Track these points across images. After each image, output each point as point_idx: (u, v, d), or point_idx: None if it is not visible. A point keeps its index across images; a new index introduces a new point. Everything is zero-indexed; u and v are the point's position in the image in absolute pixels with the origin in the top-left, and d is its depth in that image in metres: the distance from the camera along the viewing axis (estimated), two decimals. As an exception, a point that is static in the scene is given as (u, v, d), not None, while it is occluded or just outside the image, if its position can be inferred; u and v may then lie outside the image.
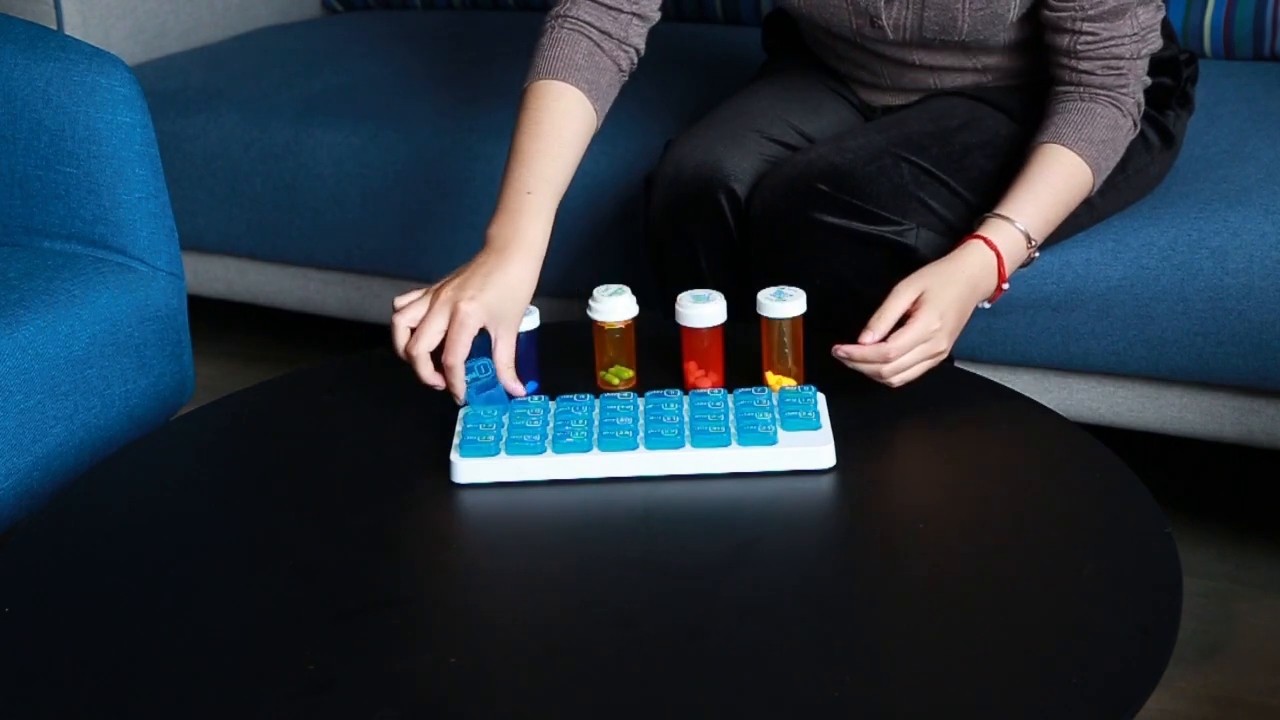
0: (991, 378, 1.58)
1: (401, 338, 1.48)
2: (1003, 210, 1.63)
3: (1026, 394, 1.54)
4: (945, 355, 1.54)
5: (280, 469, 1.45)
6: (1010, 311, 1.91)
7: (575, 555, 1.29)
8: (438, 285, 1.51)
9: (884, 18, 1.76)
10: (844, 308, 1.71)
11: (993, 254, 1.60)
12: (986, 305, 1.63)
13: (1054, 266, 1.88)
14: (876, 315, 1.49)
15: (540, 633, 1.18)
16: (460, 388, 1.47)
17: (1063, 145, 1.68)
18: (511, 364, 1.50)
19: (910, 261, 1.71)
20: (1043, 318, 1.91)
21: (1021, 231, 1.63)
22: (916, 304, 1.51)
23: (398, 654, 1.16)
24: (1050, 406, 1.65)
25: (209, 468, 1.49)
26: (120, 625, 1.22)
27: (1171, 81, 1.88)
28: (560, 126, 1.63)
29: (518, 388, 1.49)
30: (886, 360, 1.48)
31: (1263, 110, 2.11)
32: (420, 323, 1.48)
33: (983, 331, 1.93)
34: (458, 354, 1.46)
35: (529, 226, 1.56)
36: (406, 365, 1.48)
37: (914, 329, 1.49)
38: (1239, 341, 1.84)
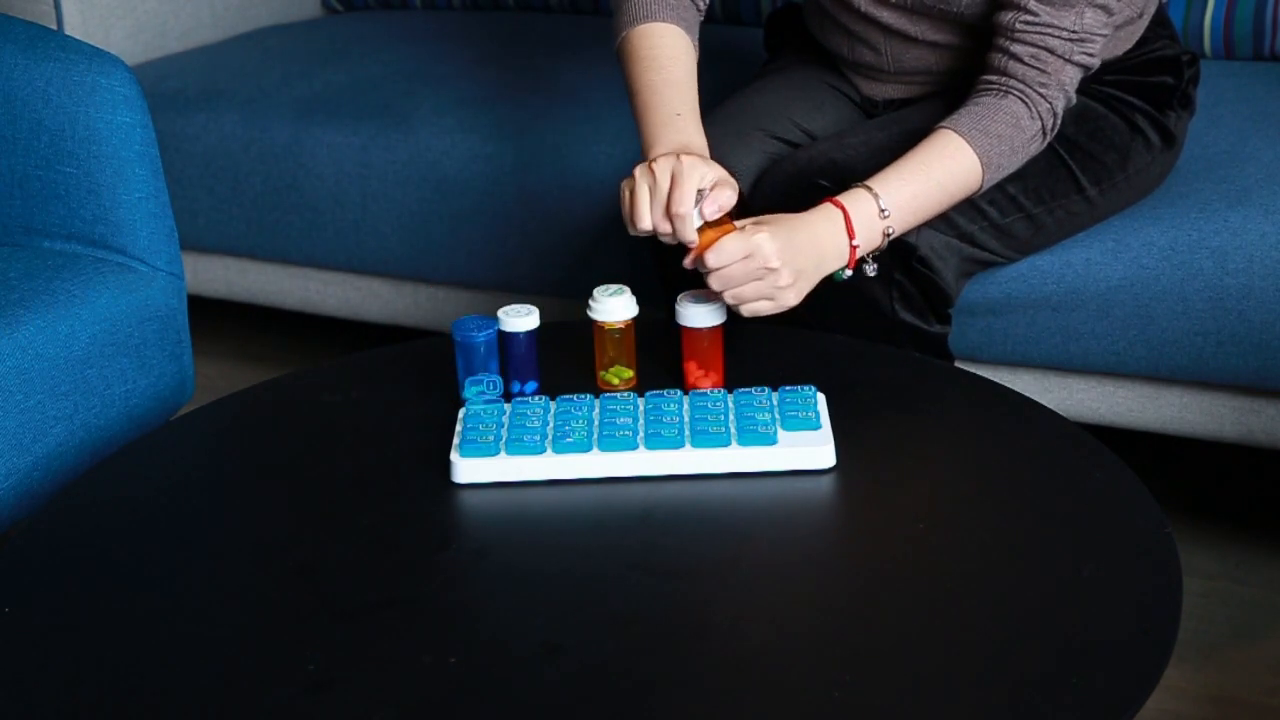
0: (991, 378, 1.58)
1: (643, 209, 1.54)
2: (870, 182, 1.63)
3: (1026, 394, 1.54)
4: (786, 298, 1.54)
5: (280, 469, 1.45)
6: (1010, 311, 1.91)
7: (575, 555, 1.29)
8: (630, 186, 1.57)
9: None
10: (845, 305, 1.71)
11: (839, 214, 1.60)
12: (847, 274, 1.62)
13: (1054, 266, 1.88)
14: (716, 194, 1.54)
15: (540, 633, 1.18)
16: (690, 233, 1.53)
17: (955, 131, 1.67)
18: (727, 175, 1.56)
19: (912, 260, 1.71)
20: (1043, 318, 1.91)
21: (880, 205, 1.62)
22: (748, 230, 1.54)
23: (398, 654, 1.16)
24: (1050, 406, 1.65)
25: (209, 468, 1.49)
26: (120, 625, 1.22)
27: (1173, 81, 1.88)
28: (675, 59, 1.72)
29: (692, 238, 1.53)
30: (710, 270, 1.50)
31: (1263, 110, 2.11)
32: (652, 190, 1.54)
33: (983, 331, 1.93)
34: (687, 202, 1.52)
35: (690, 136, 1.63)
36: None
37: (742, 240, 1.51)
38: (1239, 341, 1.84)
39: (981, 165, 1.67)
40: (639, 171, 1.57)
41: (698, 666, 1.13)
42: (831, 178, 1.72)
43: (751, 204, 1.79)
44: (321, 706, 1.11)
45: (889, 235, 1.63)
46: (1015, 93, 1.69)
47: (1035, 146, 1.72)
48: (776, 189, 1.76)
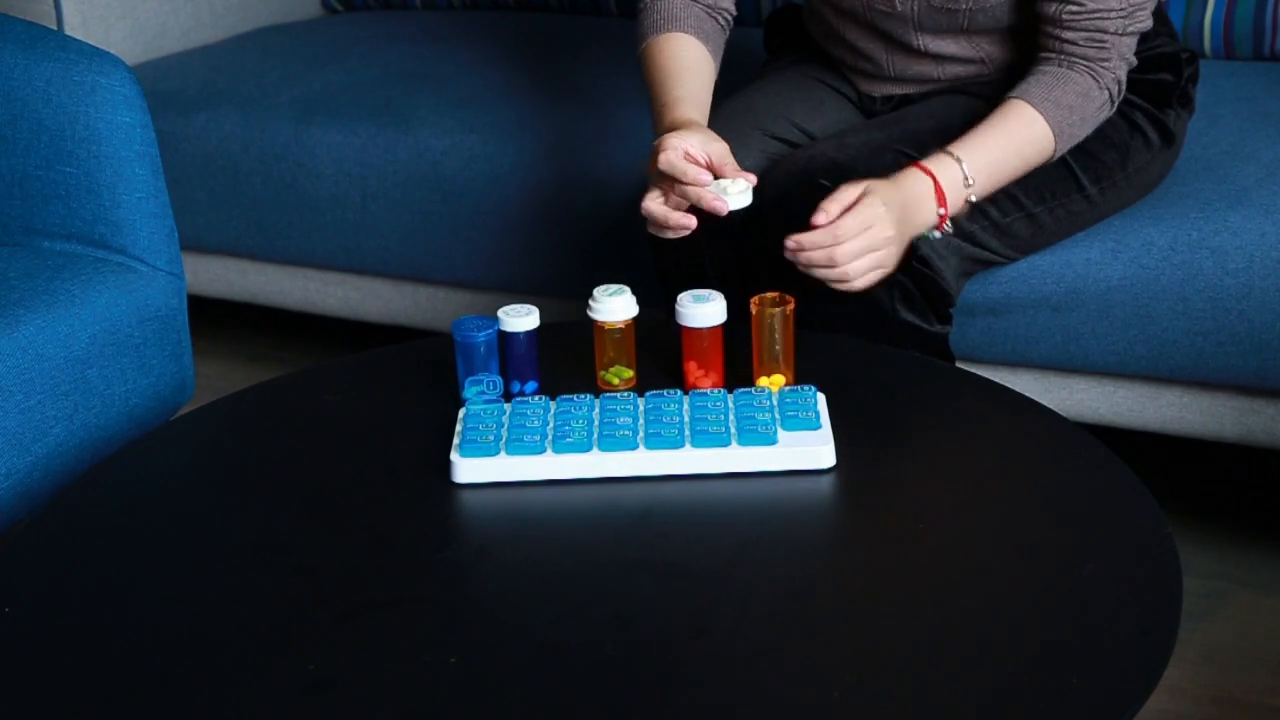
0: (991, 378, 1.58)
1: (659, 211, 1.62)
2: (952, 149, 1.68)
3: (1026, 394, 1.54)
4: (891, 268, 1.63)
5: (280, 469, 1.45)
6: (1010, 311, 1.91)
7: (575, 555, 1.29)
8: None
9: None
10: (845, 304, 1.71)
11: (930, 182, 1.65)
12: (936, 235, 1.69)
13: (1054, 266, 1.88)
14: (827, 200, 1.59)
15: (540, 633, 1.18)
16: (709, 199, 1.58)
17: (1027, 102, 1.71)
18: (728, 155, 1.63)
19: (912, 259, 1.71)
20: (1043, 318, 1.91)
21: (965, 172, 1.67)
22: (859, 199, 1.59)
23: (398, 654, 1.16)
24: (1050, 406, 1.65)
25: (209, 468, 1.49)
26: (120, 625, 1.22)
27: (1172, 78, 1.88)
28: (677, 58, 1.78)
29: (711, 202, 1.59)
30: (838, 242, 1.57)
31: (1263, 110, 2.11)
32: (660, 185, 1.62)
33: (983, 331, 1.93)
34: (690, 175, 1.59)
35: (678, 115, 1.70)
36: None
37: (860, 213, 1.58)
38: (1239, 341, 1.84)
39: (1054, 135, 1.72)
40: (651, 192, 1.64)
41: (698, 666, 1.13)
42: (832, 178, 1.72)
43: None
44: (321, 706, 1.11)
45: (970, 202, 1.70)
46: (1080, 67, 1.73)
47: (1104, 114, 1.77)
48: (777, 189, 1.76)
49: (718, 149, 1.64)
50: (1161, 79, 1.87)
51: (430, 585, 1.26)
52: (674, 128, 1.67)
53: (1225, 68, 2.28)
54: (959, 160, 1.67)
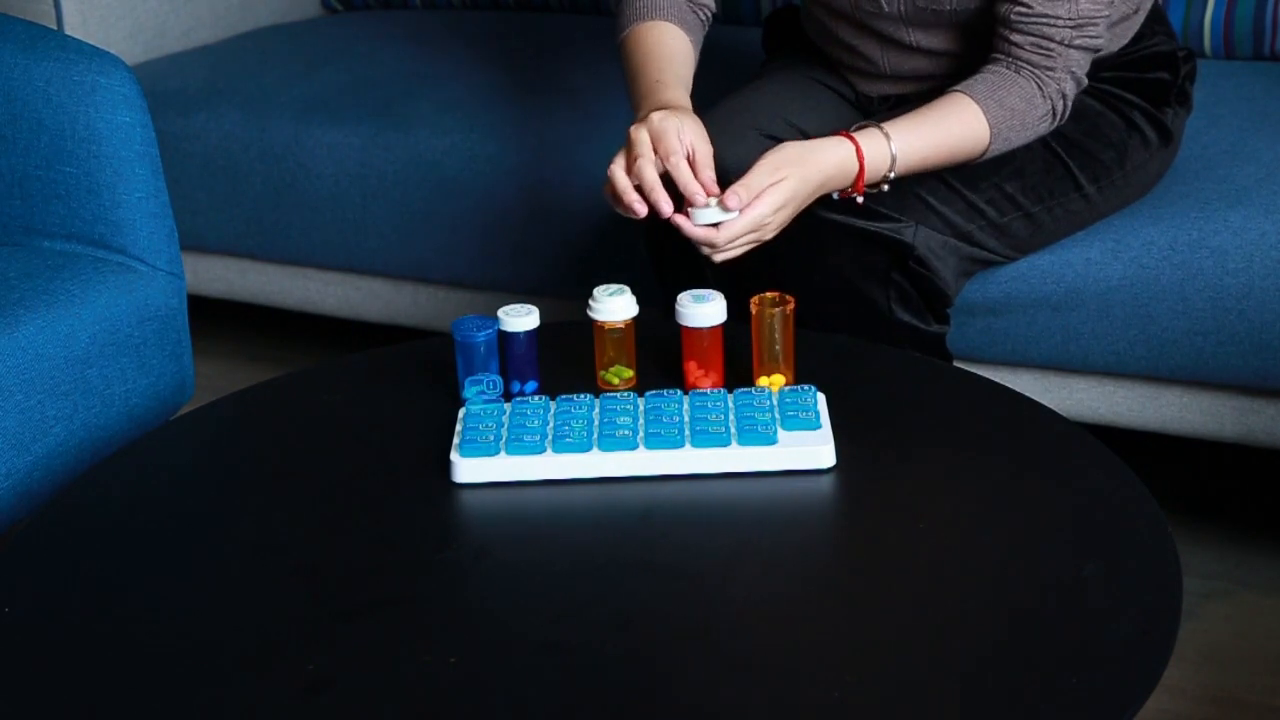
0: (991, 378, 1.58)
1: (623, 182, 1.60)
2: (886, 127, 1.67)
3: (1026, 394, 1.54)
4: (768, 236, 1.63)
5: (280, 469, 1.45)
6: (1010, 311, 1.91)
7: (575, 555, 1.29)
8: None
9: None
10: (842, 304, 1.71)
11: (857, 162, 1.65)
12: (834, 197, 1.69)
13: (1054, 266, 1.88)
14: (740, 185, 1.58)
15: (540, 633, 1.18)
16: (693, 185, 1.58)
17: (970, 97, 1.70)
18: (709, 161, 1.62)
19: (909, 260, 1.71)
20: (1043, 318, 1.91)
21: (891, 151, 1.66)
22: (766, 189, 1.59)
23: (398, 654, 1.16)
24: (1050, 406, 1.65)
25: (209, 468, 1.49)
26: (120, 625, 1.22)
27: (1169, 77, 1.88)
28: (663, 44, 1.77)
29: (698, 192, 1.58)
30: (714, 246, 1.59)
31: (1263, 110, 2.11)
32: (630, 160, 1.61)
33: (982, 331, 1.93)
34: (674, 159, 1.58)
35: (669, 96, 1.69)
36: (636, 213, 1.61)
37: (749, 218, 1.59)
38: (1239, 341, 1.84)
39: (990, 134, 1.70)
40: (615, 160, 1.64)
41: (698, 666, 1.13)
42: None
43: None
44: (321, 706, 1.11)
45: (888, 180, 1.69)
46: (1025, 71, 1.72)
47: (1044, 127, 1.75)
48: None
49: (703, 150, 1.63)
50: (1159, 77, 1.87)
51: (430, 585, 1.26)
52: (664, 108, 1.67)
53: (1225, 67, 2.28)
54: (888, 137, 1.66)
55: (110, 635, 1.20)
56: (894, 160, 1.66)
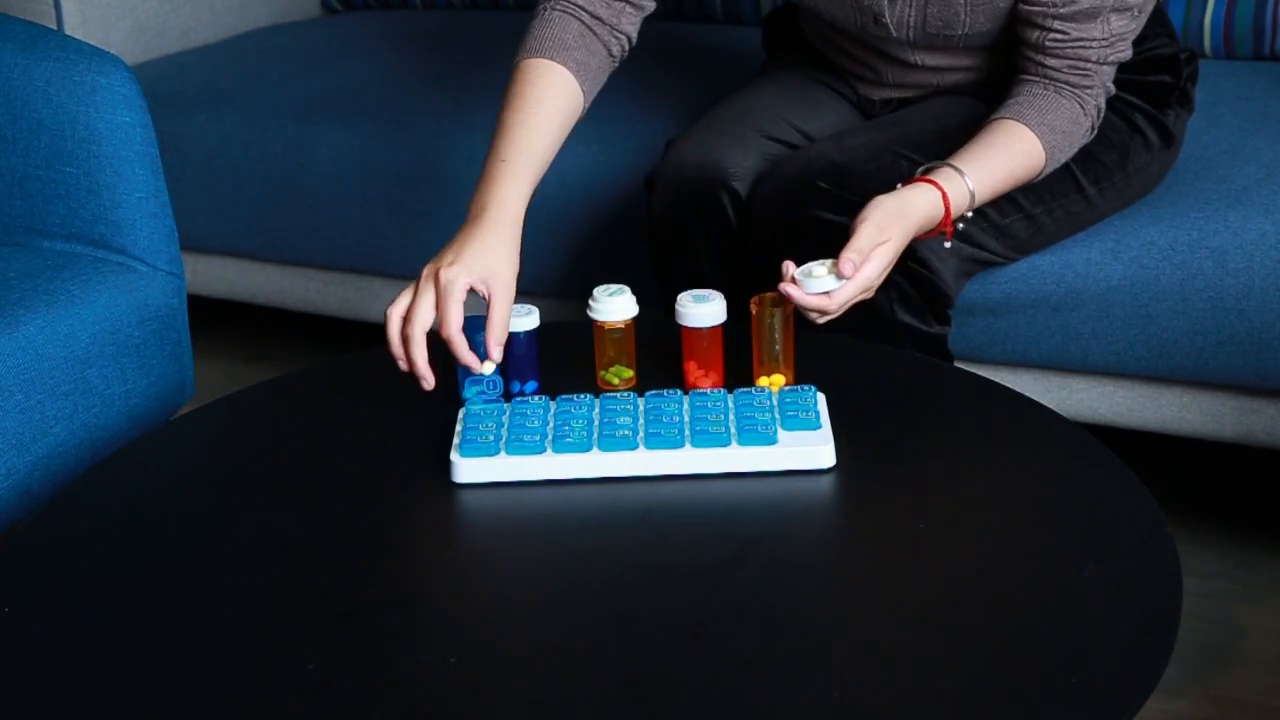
0: (991, 378, 1.58)
1: (394, 328, 1.47)
2: (959, 164, 1.66)
3: (1026, 394, 1.54)
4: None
5: (280, 469, 1.45)
6: (1010, 311, 1.91)
7: (575, 555, 1.29)
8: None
9: (887, 16, 1.77)
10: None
11: (944, 206, 1.63)
12: (946, 244, 1.69)
13: (1054, 266, 1.88)
14: (851, 250, 1.52)
15: (540, 633, 1.18)
16: (466, 357, 1.45)
17: (1025, 125, 1.70)
18: (503, 325, 1.47)
19: (909, 260, 1.71)
20: (1043, 318, 1.91)
21: (969, 187, 1.65)
22: (873, 250, 1.55)
23: (398, 654, 1.16)
24: (1050, 406, 1.65)
25: (209, 468, 1.49)
26: (120, 625, 1.22)
27: (1171, 79, 1.88)
28: (543, 101, 1.64)
29: (473, 362, 1.45)
30: (826, 312, 1.53)
31: (1263, 110, 2.11)
32: (409, 306, 1.47)
33: (982, 331, 1.93)
34: (452, 325, 1.45)
35: (503, 192, 1.56)
36: (401, 369, 1.48)
37: (860, 280, 1.54)
38: (1239, 341, 1.84)
39: (1045, 157, 1.72)
40: (404, 292, 1.50)
41: (698, 666, 1.13)
42: (831, 179, 1.72)
43: (750, 206, 1.79)
44: (321, 706, 1.11)
45: (968, 217, 1.69)
46: (1066, 92, 1.73)
47: (1086, 139, 1.77)
48: (776, 191, 1.76)
49: (498, 311, 1.47)
50: (1161, 80, 1.87)
51: (430, 585, 1.26)
52: (489, 200, 1.56)
53: (1225, 68, 2.28)
54: (962, 174, 1.65)
55: (110, 635, 1.20)
56: (973, 197, 1.66)
